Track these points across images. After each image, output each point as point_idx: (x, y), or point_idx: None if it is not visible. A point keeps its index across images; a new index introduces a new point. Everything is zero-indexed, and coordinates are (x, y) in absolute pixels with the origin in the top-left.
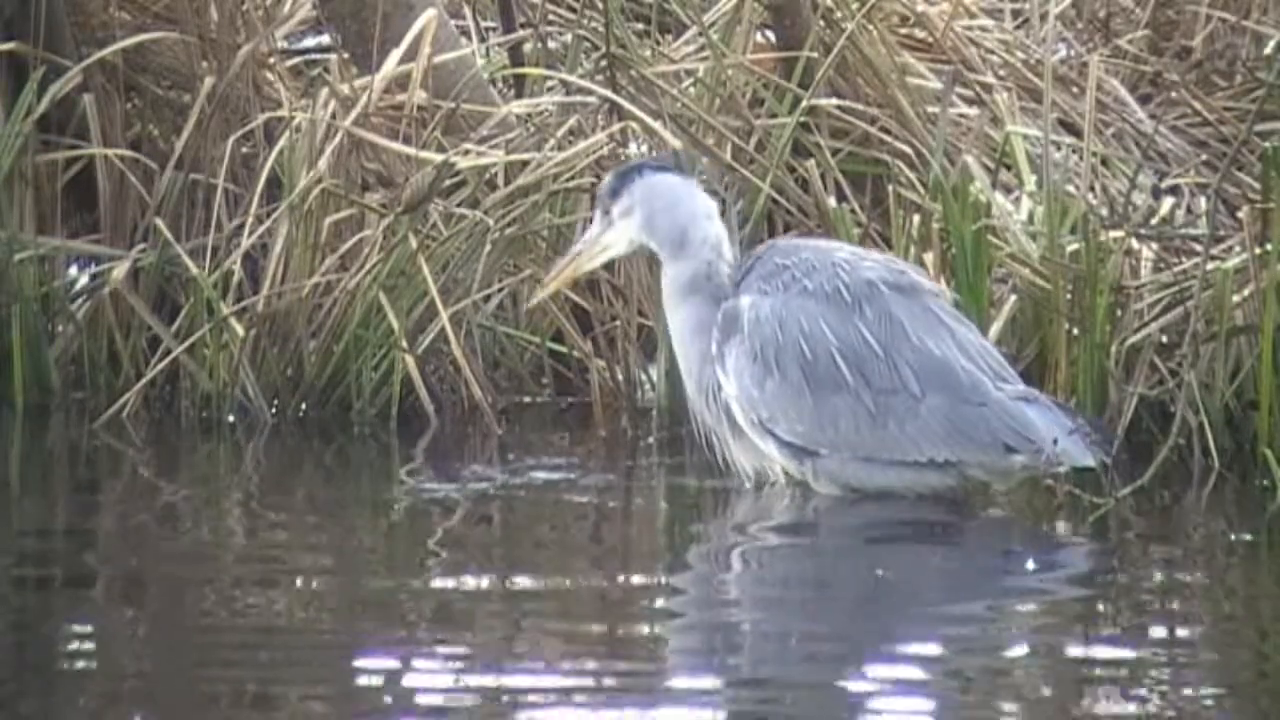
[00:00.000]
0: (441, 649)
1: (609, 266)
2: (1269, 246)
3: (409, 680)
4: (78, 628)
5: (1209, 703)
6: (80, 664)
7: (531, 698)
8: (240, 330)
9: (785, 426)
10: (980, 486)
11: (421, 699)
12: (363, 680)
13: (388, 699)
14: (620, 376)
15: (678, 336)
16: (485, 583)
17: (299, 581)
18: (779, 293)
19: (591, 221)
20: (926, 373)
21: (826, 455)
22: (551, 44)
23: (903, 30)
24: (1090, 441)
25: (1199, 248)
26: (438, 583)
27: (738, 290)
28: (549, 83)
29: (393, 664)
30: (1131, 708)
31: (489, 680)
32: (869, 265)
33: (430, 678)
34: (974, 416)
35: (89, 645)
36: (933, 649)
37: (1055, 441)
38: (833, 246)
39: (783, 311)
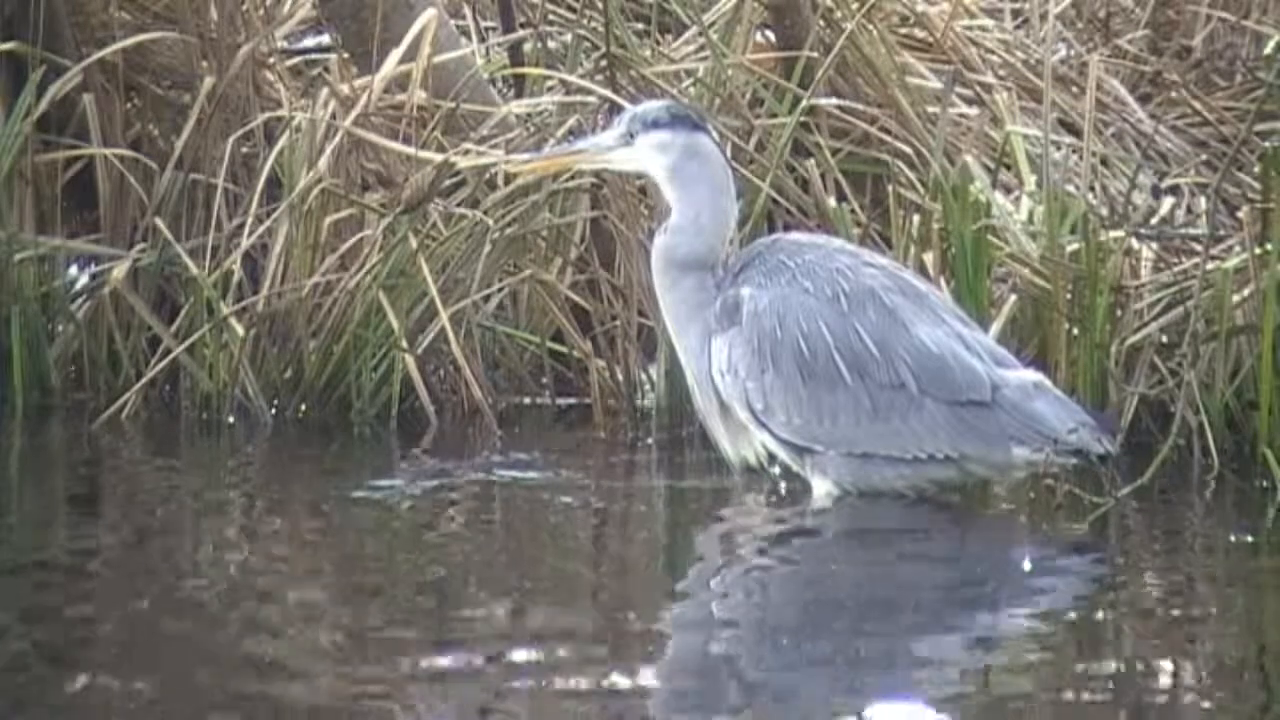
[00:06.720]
0: (441, 654)
1: (609, 266)
2: (1269, 246)
3: (408, 684)
4: (77, 629)
5: (1208, 703)
6: (79, 665)
7: (530, 706)
8: (240, 330)
9: (783, 419)
10: (980, 483)
11: (421, 703)
12: (362, 686)
13: (387, 706)
14: (620, 376)
15: (674, 318)
16: (484, 589)
17: (297, 584)
18: (779, 288)
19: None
20: (924, 369)
21: (823, 451)
22: (551, 44)
23: (903, 30)
24: (1098, 433)
25: (1199, 248)
26: (436, 587)
27: (737, 280)
28: (549, 83)
29: (392, 670)
30: (1132, 709)
31: (488, 684)
32: (870, 272)
33: (429, 683)
34: (978, 411)
35: (88, 646)
36: (932, 651)
37: (1072, 431)
38: (835, 248)
39: (782, 306)
